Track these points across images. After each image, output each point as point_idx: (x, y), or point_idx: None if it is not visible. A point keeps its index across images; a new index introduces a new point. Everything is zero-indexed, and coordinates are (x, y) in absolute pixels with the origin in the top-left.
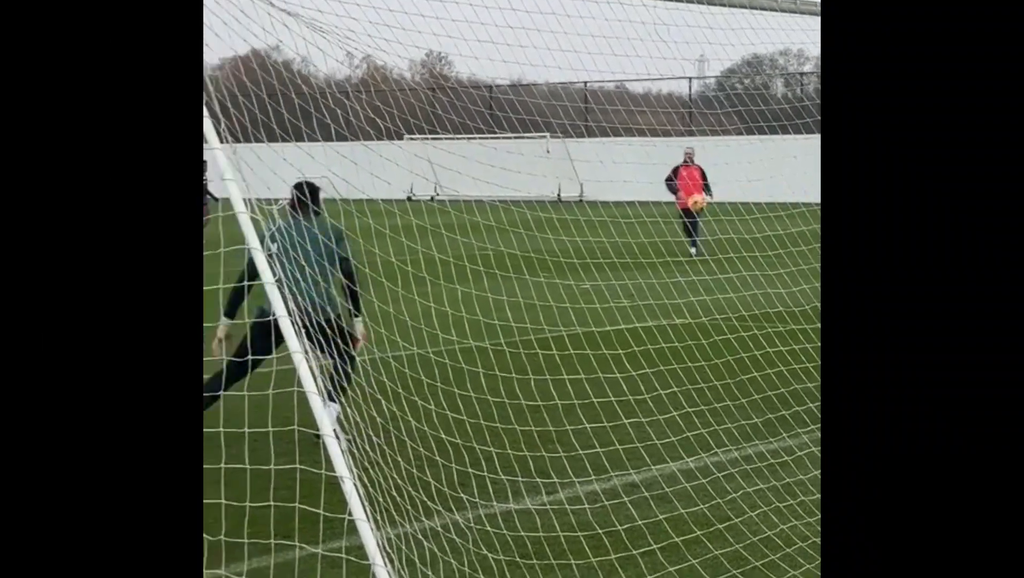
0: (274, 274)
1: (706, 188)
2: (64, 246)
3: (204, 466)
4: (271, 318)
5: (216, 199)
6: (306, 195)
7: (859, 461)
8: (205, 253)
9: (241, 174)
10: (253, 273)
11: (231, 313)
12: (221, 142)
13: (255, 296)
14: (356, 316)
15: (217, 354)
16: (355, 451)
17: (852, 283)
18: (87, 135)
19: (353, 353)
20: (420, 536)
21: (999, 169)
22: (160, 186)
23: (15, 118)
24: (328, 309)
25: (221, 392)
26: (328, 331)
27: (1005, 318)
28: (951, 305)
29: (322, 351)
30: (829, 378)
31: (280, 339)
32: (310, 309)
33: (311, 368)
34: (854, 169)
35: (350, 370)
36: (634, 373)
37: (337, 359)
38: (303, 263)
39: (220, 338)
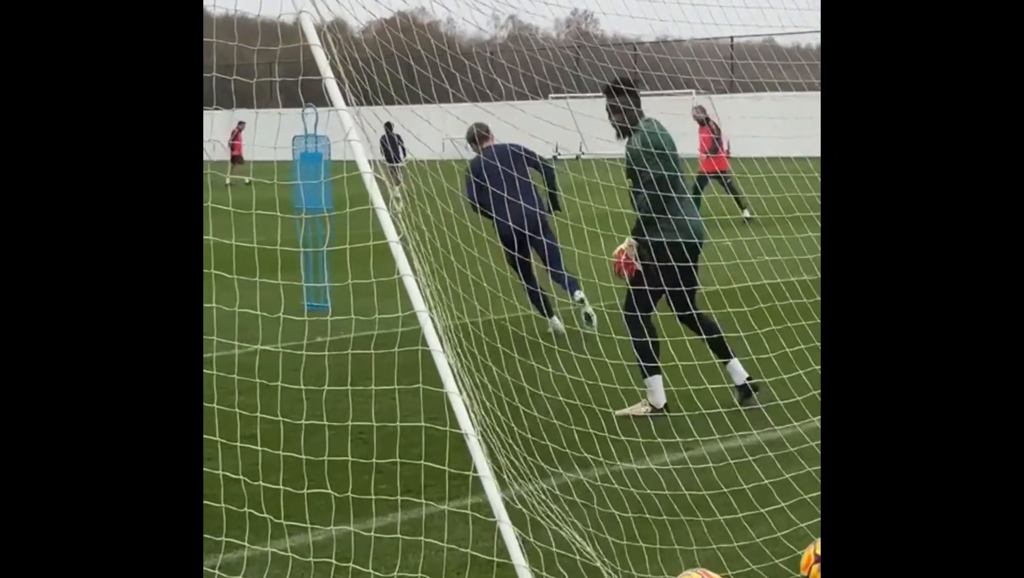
0: (398, 232)
1: (713, 150)
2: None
3: (337, 424)
4: None
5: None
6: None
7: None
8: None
9: (365, 135)
10: None
11: None
12: (346, 104)
13: None
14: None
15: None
16: (475, 413)
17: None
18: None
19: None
20: (544, 495)
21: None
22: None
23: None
24: None
25: None
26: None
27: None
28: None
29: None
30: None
31: None
32: None
33: (435, 327)
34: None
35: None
36: (760, 332)
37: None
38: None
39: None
